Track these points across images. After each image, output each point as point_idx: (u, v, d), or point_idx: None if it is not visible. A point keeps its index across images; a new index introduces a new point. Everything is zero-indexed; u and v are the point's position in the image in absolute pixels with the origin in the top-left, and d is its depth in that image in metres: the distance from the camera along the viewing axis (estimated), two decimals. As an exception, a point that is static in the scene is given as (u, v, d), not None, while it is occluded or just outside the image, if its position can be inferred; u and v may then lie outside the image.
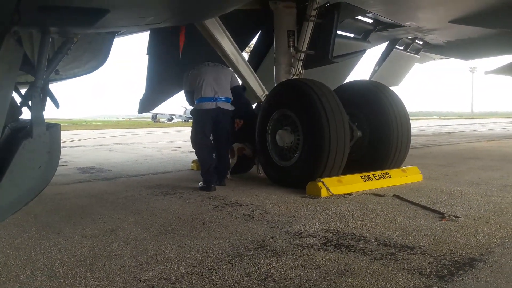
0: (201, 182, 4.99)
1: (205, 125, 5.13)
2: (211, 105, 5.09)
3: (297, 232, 3.06)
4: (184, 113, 57.44)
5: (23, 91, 2.83)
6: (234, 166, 5.65)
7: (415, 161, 6.46)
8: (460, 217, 3.35)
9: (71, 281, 2.22)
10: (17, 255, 2.66)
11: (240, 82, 5.89)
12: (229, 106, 5.24)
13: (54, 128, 2.73)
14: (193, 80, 5.18)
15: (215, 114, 5.10)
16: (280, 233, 3.06)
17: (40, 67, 2.69)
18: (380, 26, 8.78)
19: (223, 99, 5.16)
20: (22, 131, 2.62)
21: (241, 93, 5.57)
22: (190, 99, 5.36)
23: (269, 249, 2.68)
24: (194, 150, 5.26)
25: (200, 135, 5.16)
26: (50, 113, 2.73)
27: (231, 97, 5.29)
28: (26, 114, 2.74)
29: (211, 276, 2.25)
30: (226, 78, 5.30)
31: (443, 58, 13.45)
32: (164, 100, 7.38)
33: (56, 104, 2.91)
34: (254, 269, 2.35)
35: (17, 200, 2.51)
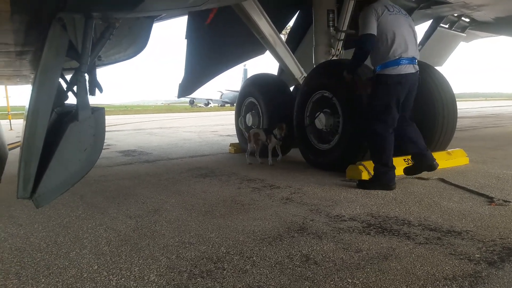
0: (372, 178, 3.98)
1: (400, 97, 3.83)
2: (411, 69, 3.80)
3: (337, 215, 3.02)
4: (221, 97, 57.85)
5: (67, 77, 2.92)
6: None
7: (460, 143, 6.19)
8: (510, 202, 3.19)
9: (117, 259, 2.29)
10: (66, 233, 2.78)
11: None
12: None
13: (98, 112, 2.81)
14: (381, 27, 3.76)
15: (414, 83, 3.88)
16: (320, 216, 3.02)
17: (85, 53, 2.76)
18: (424, 4, 8.38)
19: (416, 62, 3.90)
20: (68, 115, 2.71)
21: None
22: (371, 47, 3.80)
23: (309, 232, 2.66)
24: (369, 134, 3.96)
25: (390, 112, 3.81)
26: (92, 98, 2.82)
27: None
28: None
29: (252, 257, 2.26)
30: (416, 32, 3.98)
31: (491, 36, 12.71)
32: (202, 84, 7.43)
33: (100, 89, 2.98)
34: (295, 251, 2.34)
35: (65, 181, 2.62)
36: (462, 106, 29.59)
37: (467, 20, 10.46)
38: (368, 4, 3.89)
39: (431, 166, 4.01)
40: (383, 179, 3.84)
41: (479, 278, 1.92)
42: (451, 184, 3.91)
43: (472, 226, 2.68)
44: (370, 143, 4.06)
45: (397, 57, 3.75)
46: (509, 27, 10.31)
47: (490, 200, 3.28)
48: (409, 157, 4.64)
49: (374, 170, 3.97)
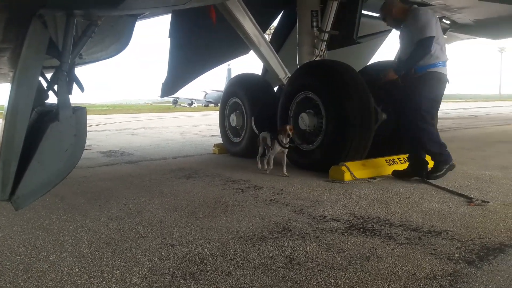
0: (440, 172, 4.12)
1: (442, 95, 4.25)
2: (447, 71, 4.18)
3: (320, 216, 3.04)
4: (205, 97, 57.57)
5: (48, 75, 2.86)
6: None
7: (440, 144, 6.30)
8: (489, 202, 3.26)
9: (98, 261, 2.26)
10: (46, 236, 2.73)
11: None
12: None
13: (80, 112, 2.76)
14: (437, 31, 4.10)
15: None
16: (304, 216, 3.04)
17: (66, 51, 2.71)
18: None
19: None
20: (48, 115, 2.65)
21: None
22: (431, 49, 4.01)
23: (293, 233, 2.67)
24: (415, 128, 4.10)
25: (436, 106, 4.21)
26: (73, 97, 2.77)
27: None
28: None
29: (236, 259, 2.26)
30: None
31: (471, 38, 12.97)
32: (186, 84, 7.37)
33: (81, 88, 2.93)
34: (278, 252, 2.34)
35: (46, 182, 2.56)
36: (443, 107, 30.07)
37: (448, 22, 10.63)
38: (406, 7, 4.29)
39: (422, 175, 4.23)
40: (445, 160, 4.12)
41: (459, 277, 1.95)
42: (431, 184, 3.98)
43: (451, 226, 2.73)
44: (416, 135, 4.17)
45: (445, 60, 4.14)
46: (487, 29, 10.54)
47: (469, 200, 3.35)
48: (391, 158, 4.71)
49: (433, 158, 4.22)
